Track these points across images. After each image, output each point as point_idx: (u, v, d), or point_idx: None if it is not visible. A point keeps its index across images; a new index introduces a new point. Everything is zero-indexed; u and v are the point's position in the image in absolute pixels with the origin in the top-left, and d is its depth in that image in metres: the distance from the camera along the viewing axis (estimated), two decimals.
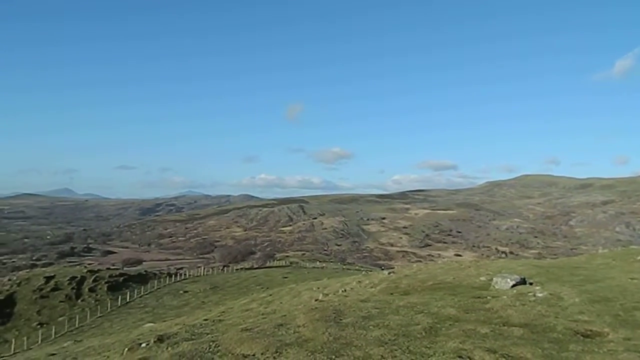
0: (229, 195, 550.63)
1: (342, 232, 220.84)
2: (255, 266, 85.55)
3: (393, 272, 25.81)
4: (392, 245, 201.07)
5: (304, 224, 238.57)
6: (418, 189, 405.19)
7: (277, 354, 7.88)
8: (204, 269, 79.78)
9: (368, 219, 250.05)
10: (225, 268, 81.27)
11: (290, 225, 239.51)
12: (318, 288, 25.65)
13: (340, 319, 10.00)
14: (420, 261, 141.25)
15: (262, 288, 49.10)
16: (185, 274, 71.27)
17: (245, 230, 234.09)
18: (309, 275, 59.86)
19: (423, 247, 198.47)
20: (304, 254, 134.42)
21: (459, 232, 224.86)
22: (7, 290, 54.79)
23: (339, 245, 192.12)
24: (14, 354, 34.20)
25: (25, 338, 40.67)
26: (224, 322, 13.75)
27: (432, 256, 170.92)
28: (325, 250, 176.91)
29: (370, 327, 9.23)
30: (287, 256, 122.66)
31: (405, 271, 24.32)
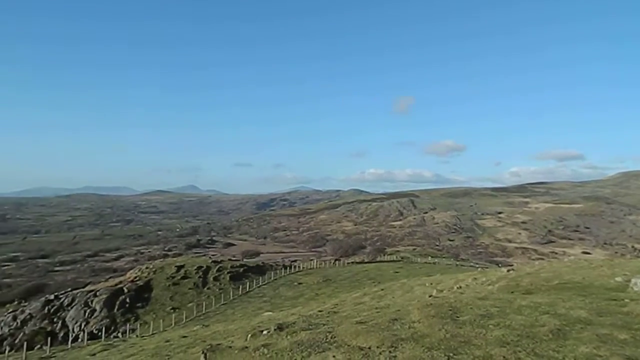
0: (338, 190, 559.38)
1: (454, 226, 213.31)
2: (366, 260, 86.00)
3: (512, 269, 24.38)
4: (509, 241, 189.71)
5: (414, 218, 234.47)
6: (539, 181, 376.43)
7: (393, 348, 7.88)
8: (317, 262, 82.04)
9: (483, 214, 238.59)
10: (337, 261, 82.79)
11: (400, 220, 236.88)
12: (431, 284, 25.10)
13: (457, 316, 9.70)
14: (543, 259, 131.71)
15: (373, 282, 49.24)
16: (299, 267, 73.93)
17: (355, 225, 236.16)
18: (420, 271, 58.78)
19: (545, 243, 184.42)
20: (414, 249, 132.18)
21: (587, 227, 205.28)
22: (146, 277, 61.25)
23: (451, 241, 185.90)
24: (152, 334, 38.13)
25: (161, 321, 45.12)
26: (339, 314, 14.04)
27: (556, 253, 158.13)
28: (437, 245, 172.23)
29: (490, 326, 8.82)
30: (397, 251, 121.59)
31: (527, 269, 22.83)
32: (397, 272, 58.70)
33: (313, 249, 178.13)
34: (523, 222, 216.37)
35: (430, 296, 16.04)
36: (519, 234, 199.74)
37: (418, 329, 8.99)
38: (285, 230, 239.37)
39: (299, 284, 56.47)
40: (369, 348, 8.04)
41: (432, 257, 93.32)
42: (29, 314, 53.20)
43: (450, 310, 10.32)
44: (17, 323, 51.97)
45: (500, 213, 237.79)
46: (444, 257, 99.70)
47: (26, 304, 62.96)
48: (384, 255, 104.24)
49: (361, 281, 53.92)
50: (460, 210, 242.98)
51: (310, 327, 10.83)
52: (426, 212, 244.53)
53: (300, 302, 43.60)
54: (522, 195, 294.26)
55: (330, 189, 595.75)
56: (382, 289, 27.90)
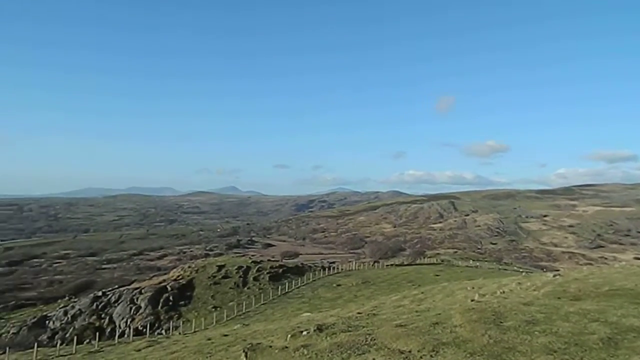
0: (377, 192, 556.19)
1: (497, 229, 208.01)
2: (406, 263, 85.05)
3: (559, 274, 23.54)
4: (555, 245, 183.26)
5: (455, 220, 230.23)
6: (587, 183, 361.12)
7: (434, 352, 7.77)
8: (355, 263, 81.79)
9: (527, 217, 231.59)
10: (376, 263, 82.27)
11: (440, 222, 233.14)
12: (473, 288, 24.56)
13: (501, 322, 9.47)
14: (591, 264, 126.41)
15: (413, 285, 48.66)
16: (338, 268, 73.90)
17: (394, 227, 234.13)
18: (461, 274, 57.62)
19: (594, 248, 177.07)
20: (455, 252, 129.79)
21: None
22: (188, 276, 62.76)
23: (494, 244, 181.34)
24: (194, 332, 39.01)
25: (202, 319, 46.11)
26: (378, 317, 13.95)
27: (606, 259, 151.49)
28: (478, 248, 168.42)
29: (536, 332, 8.57)
30: (437, 254, 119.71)
31: (574, 274, 22.00)
32: (437, 276, 57.76)
33: (351, 251, 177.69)
34: (570, 226, 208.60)
35: (472, 300, 15.72)
36: (566, 238, 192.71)
37: (460, 334, 8.83)
38: (323, 232, 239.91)
39: (338, 285, 56.45)
40: (410, 351, 7.96)
41: (473, 260, 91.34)
42: (79, 309, 55.54)
43: (494, 315, 10.08)
44: (68, 318, 54.35)
45: (545, 216, 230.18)
46: (486, 261, 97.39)
47: (76, 299, 65.76)
48: (424, 258, 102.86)
49: (400, 284, 53.36)
50: (503, 213, 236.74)
51: (350, 328, 10.82)
52: (467, 215, 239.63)
53: (339, 303, 43.59)
54: (569, 197, 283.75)
55: (368, 191, 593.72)
56: (422, 292, 27.53)
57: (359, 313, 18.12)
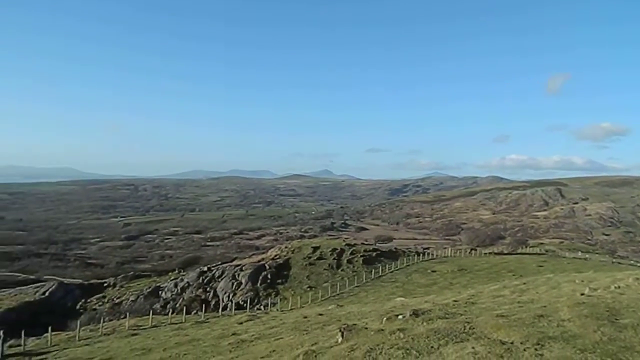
0: (475, 177, 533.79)
1: (610, 219, 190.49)
2: (505, 252, 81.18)
3: None
4: None
5: (562, 209, 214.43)
6: None
7: (539, 345, 7.39)
8: (451, 250, 79.63)
9: None
10: (473, 251, 79.48)
11: (545, 210, 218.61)
12: (582, 281, 22.82)
13: (616, 319, 8.74)
14: None
15: (513, 275, 46.35)
16: (432, 254, 72.50)
17: (493, 214, 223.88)
18: (568, 266, 53.75)
19: None
20: (561, 242, 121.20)
21: None
22: (285, 255, 65.26)
23: (606, 235, 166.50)
24: (291, 309, 40.59)
25: (298, 297, 47.75)
26: (477, 305, 13.54)
27: None
28: (588, 239, 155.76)
29: None
30: (541, 243, 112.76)
31: None
32: (540, 266, 54.41)
33: (447, 237, 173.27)
34: None
35: (582, 294, 14.64)
36: None
37: (568, 329, 8.30)
38: (418, 217, 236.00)
39: (433, 271, 55.40)
40: (512, 343, 7.65)
41: (582, 252, 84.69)
42: (187, 282, 60.22)
43: (607, 311, 9.33)
44: (178, 289, 59.19)
45: None
46: (597, 253, 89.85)
47: (184, 273, 71.35)
48: (526, 247, 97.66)
49: (500, 273, 51.11)
50: (619, 202, 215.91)
51: (447, 315, 10.62)
52: (576, 203, 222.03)
53: (433, 290, 42.82)
54: None
55: (466, 176, 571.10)
56: (524, 283, 26.11)
57: (455, 301, 17.69)
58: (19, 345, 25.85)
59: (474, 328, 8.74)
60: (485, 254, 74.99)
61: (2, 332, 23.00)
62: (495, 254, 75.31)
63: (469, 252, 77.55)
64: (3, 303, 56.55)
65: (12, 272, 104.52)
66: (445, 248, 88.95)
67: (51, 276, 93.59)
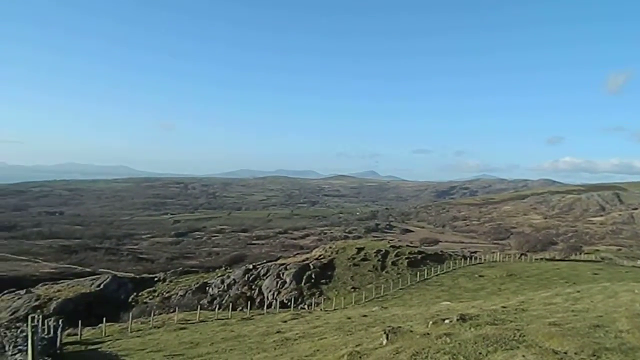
0: (526, 180, 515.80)
1: None
2: (558, 258, 78.05)
3: None
4: None
5: (620, 214, 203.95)
6: None
7: (595, 357, 7.08)
8: (500, 255, 77.36)
9: None
10: (523, 256, 76.94)
11: (601, 216, 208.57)
12: None
13: None
14: None
15: (566, 282, 44.51)
16: (480, 258, 70.67)
17: (545, 218, 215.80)
18: (627, 275, 51.03)
19: None
20: (619, 250, 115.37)
21: None
22: (329, 256, 65.35)
23: None
24: (334, 309, 40.64)
25: (342, 298, 47.76)
26: (527, 313, 13.11)
27: None
28: None
29: None
30: (596, 250, 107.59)
31: None
32: (596, 274, 51.95)
33: (495, 241, 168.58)
34: None
35: None
36: None
37: (627, 340, 7.91)
38: (465, 220, 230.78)
39: (480, 276, 53.98)
40: (565, 353, 7.37)
41: None
42: (233, 279, 61.45)
43: None
44: (224, 286, 60.50)
45: None
46: None
47: (231, 270, 72.73)
48: (580, 254, 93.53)
49: (551, 280, 49.19)
50: None
51: (496, 322, 10.35)
52: (635, 208, 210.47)
53: (481, 295, 41.75)
54: None
55: (516, 178, 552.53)
56: (578, 291, 25.03)
57: (504, 307, 17.17)
58: (76, 334, 27.26)
59: (524, 336, 8.47)
60: (536, 259, 72.37)
61: (61, 321, 24.31)
62: (547, 259, 72.54)
63: (519, 257, 75.09)
64: (62, 293, 59.55)
65: (70, 264, 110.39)
66: (493, 252, 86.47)
67: (105, 269, 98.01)
